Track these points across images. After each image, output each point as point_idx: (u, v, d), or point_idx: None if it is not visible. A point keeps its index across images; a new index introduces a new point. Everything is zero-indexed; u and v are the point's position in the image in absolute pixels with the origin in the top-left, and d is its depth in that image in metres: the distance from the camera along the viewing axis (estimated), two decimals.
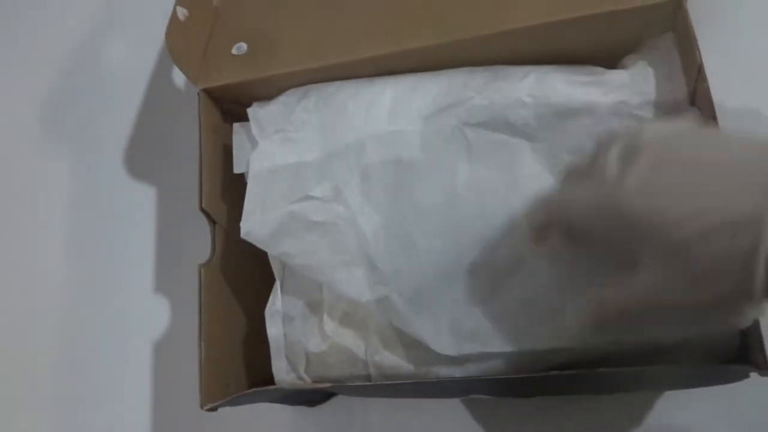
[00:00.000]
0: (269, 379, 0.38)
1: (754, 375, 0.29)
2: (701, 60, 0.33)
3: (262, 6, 0.42)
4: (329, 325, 0.37)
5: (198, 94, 0.39)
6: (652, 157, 0.23)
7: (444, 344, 0.34)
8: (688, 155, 0.23)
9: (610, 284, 0.25)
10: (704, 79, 0.32)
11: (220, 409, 0.34)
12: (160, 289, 0.48)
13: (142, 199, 0.51)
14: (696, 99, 0.34)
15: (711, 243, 0.20)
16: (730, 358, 0.31)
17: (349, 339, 0.37)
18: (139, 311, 0.48)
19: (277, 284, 0.38)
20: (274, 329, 0.38)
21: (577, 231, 0.26)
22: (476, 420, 0.41)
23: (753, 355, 0.29)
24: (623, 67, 0.36)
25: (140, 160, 0.52)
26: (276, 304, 0.38)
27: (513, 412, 0.40)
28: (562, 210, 0.27)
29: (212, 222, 0.38)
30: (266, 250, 0.37)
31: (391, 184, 0.36)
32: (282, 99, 0.39)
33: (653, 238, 0.22)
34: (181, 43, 0.38)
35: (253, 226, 0.36)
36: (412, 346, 0.35)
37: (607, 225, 0.23)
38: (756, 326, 0.28)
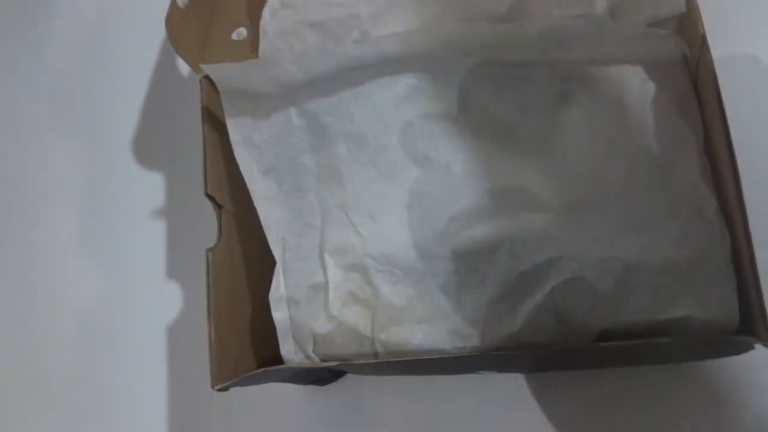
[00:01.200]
0: (279, 359, 0.38)
1: (759, 346, 0.29)
2: (704, 30, 0.32)
3: None
4: (334, 305, 0.37)
5: (200, 81, 0.39)
6: None
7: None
8: None
9: None
10: (708, 50, 0.32)
11: (232, 389, 0.35)
12: (170, 274, 0.49)
13: (150, 186, 0.51)
14: (699, 70, 0.34)
15: None
16: (732, 330, 0.31)
17: (354, 318, 0.37)
18: (150, 296, 0.49)
19: (279, 268, 0.38)
20: (279, 313, 0.38)
21: None
22: (485, 398, 0.41)
23: (756, 327, 0.29)
24: None
25: (147, 147, 0.53)
26: (279, 288, 0.38)
27: (519, 391, 0.40)
28: None
29: (218, 207, 0.38)
30: None
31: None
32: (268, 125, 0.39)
33: None
34: (181, 30, 0.38)
35: None
36: (418, 322, 0.36)
37: None
38: (759, 298, 0.28)
